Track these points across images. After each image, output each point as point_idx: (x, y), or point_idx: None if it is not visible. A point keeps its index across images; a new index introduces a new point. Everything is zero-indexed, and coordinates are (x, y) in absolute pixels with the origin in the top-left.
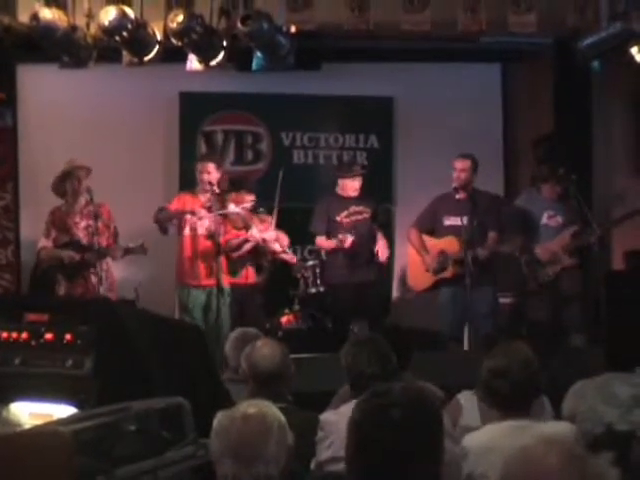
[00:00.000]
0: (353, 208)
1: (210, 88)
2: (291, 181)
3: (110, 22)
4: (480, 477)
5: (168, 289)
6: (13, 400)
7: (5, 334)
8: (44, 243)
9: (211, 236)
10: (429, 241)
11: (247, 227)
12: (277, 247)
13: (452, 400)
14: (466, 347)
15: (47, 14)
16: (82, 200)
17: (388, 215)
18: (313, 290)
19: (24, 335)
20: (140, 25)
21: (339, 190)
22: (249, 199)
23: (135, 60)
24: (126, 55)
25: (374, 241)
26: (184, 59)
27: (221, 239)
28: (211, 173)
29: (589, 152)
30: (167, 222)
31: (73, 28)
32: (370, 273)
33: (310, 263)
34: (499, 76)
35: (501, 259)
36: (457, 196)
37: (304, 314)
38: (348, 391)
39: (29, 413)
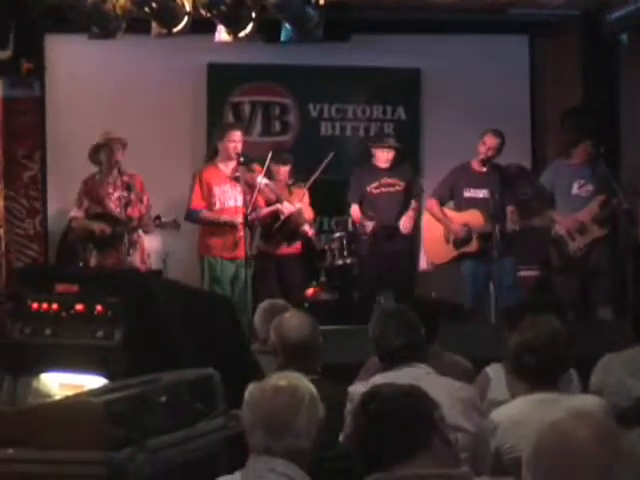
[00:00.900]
0: (385, 180)
1: (238, 60)
2: (318, 152)
3: None
4: (509, 451)
5: (195, 260)
6: (44, 371)
7: (35, 305)
8: (76, 213)
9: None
10: (451, 214)
11: (279, 200)
12: (301, 220)
13: (480, 373)
14: (492, 320)
15: None
16: (115, 171)
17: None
18: (340, 262)
19: (54, 306)
20: None
21: (374, 160)
22: (284, 170)
23: (164, 31)
24: (155, 26)
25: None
26: (213, 30)
27: (250, 211)
28: (238, 142)
29: (617, 125)
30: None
31: None
32: (398, 244)
33: (337, 235)
34: (527, 48)
35: (526, 232)
36: (477, 169)
37: (331, 286)
38: (376, 363)
39: (59, 384)
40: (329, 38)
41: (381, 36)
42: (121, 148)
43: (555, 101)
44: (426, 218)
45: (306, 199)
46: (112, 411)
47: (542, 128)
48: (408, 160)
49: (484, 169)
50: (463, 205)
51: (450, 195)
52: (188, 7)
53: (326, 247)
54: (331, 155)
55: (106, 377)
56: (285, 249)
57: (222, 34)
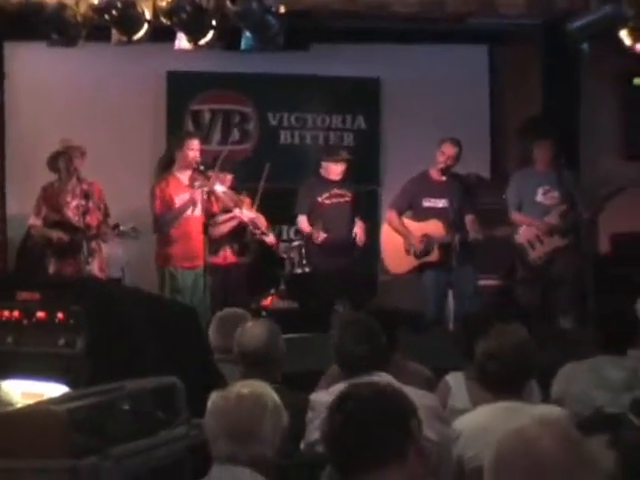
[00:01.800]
0: (335, 191)
1: (198, 67)
2: (277, 161)
3: (100, 0)
4: (471, 460)
5: (153, 269)
6: (5, 379)
7: None
8: (34, 221)
9: (204, 216)
10: (411, 225)
11: (237, 206)
12: (261, 228)
13: (440, 381)
14: (451, 329)
15: None
16: (74, 179)
17: (370, 199)
18: (299, 270)
19: (16, 314)
20: (130, 4)
21: (323, 172)
22: (228, 179)
23: (124, 39)
24: (115, 34)
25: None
26: (173, 38)
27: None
28: (196, 150)
29: (577, 135)
30: (173, 224)
31: (63, 6)
32: (351, 256)
33: (295, 244)
34: (486, 58)
35: (488, 241)
36: (436, 178)
37: (290, 294)
38: (337, 371)
39: (21, 392)
40: (289, 47)
41: (341, 45)
42: (80, 156)
43: (515, 111)
44: (385, 229)
45: (253, 208)
46: (75, 419)
47: (502, 138)
48: (366, 170)
49: (443, 178)
50: (422, 215)
51: (409, 205)
52: (148, 15)
53: (285, 256)
54: (267, 166)
55: (68, 385)
56: (236, 258)
57: (182, 42)
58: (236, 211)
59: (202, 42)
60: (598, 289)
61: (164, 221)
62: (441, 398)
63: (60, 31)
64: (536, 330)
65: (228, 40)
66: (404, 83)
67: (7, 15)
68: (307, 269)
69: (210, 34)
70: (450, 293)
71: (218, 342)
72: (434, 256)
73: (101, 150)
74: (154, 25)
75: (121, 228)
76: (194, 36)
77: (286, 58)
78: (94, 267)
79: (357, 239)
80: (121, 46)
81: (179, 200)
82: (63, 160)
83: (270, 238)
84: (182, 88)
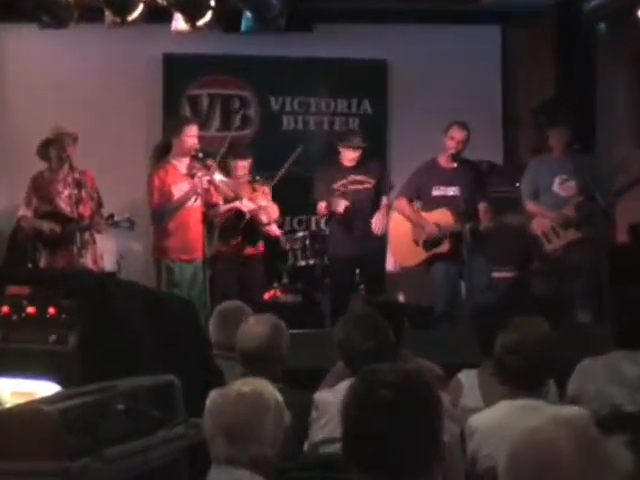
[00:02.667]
0: (352, 177)
1: (196, 50)
2: (280, 148)
3: None
4: (484, 459)
5: (151, 262)
6: None
7: None
8: (24, 212)
9: (204, 207)
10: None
11: (237, 197)
12: (264, 219)
13: (452, 379)
14: (463, 323)
15: None
16: (66, 168)
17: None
18: (302, 263)
19: (5, 309)
20: None
21: (340, 159)
22: (247, 164)
23: (118, 20)
24: (108, 15)
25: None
26: (169, 19)
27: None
28: (195, 137)
29: (593, 120)
30: (173, 216)
31: None
32: (369, 246)
33: (299, 235)
34: (499, 39)
35: (501, 232)
36: (446, 165)
37: (293, 288)
38: (342, 369)
39: (11, 391)
40: (291, 28)
41: (346, 26)
42: (72, 143)
43: (529, 94)
44: (393, 219)
45: (269, 197)
46: (67, 419)
47: (514, 123)
48: (376, 156)
49: (454, 165)
50: (431, 204)
51: (417, 194)
52: None
53: (288, 247)
54: (299, 149)
55: (60, 384)
56: (248, 250)
57: (179, 23)
58: (237, 202)
59: (200, 23)
60: (615, 281)
61: (163, 213)
62: (453, 397)
63: (51, 13)
64: (552, 324)
65: (227, 21)
66: (412, 66)
67: None
68: (311, 261)
69: (208, 15)
70: (463, 287)
71: (218, 337)
72: (444, 247)
73: (94, 137)
74: (149, 5)
75: (115, 219)
76: (192, 17)
77: (288, 40)
78: (87, 260)
79: (373, 226)
80: (115, 28)
81: (177, 190)
82: (54, 148)
83: (274, 229)
84: (179, 72)
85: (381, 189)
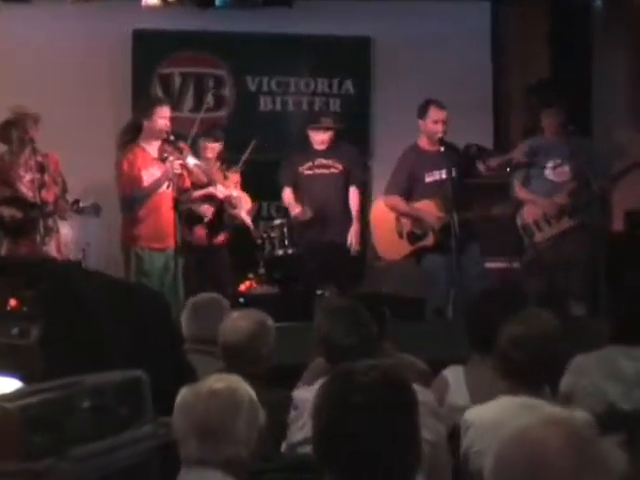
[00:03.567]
0: (319, 160)
1: (167, 26)
2: (257, 130)
3: None
4: (476, 456)
5: (118, 250)
6: None
7: None
8: None
9: (176, 193)
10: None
11: (211, 183)
12: (239, 207)
13: (438, 376)
14: (450, 316)
15: None
16: (28, 151)
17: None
18: (280, 252)
19: None
20: None
21: (309, 142)
22: (216, 147)
23: None
24: None
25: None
26: None
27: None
28: (166, 118)
29: (589, 101)
30: (144, 202)
31: None
32: (337, 234)
33: (277, 222)
34: (489, 15)
35: (491, 221)
36: (430, 148)
37: (270, 279)
38: (322, 364)
39: None
40: (270, 3)
41: (328, 1)
42: (34, 124)
43: (520, 74)
44: (376, 211)
45: (239, 186)
46: (29, 417)
47: (505, 104)
48: (358, 139)
49: (436, 148)
50: (426, 192)
51: (409, 186)
52: None
53: (264, 236)
54: (253, 143)
55: (22, 379)
56: (220, 238)
57: None
58: (211, 188)
59: None
60: (611, 270)
61: (133, 199)
62: (438, 394)
63: None
64: None
65: None
66: (398, 43)
67: None
68: (289, 251)
69: None
70: (452, 278)
71: (192, 331)
72: (429, 240)
73: (59, 119)
74: None
75: (81, 204)
76: None
77: (266, 15)
78: (51, 248)
79: (350, 244)
80: (80, 4)
81: (147, 175)
82: (15, 129)
83: (249, 221)
84: (150, 49)
85: (352, 177)
